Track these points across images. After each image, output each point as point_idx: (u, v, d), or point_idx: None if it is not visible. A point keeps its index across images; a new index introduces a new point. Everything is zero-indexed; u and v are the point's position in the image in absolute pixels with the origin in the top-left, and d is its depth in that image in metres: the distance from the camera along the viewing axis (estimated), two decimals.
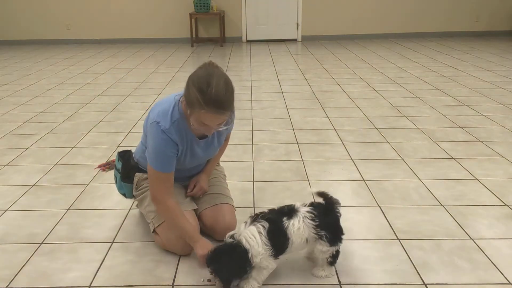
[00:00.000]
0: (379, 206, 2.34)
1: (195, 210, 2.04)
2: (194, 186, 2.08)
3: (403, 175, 2.70)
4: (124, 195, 2.21)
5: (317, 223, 1.67)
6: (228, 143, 3.20)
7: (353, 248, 1.98)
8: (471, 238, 2.04)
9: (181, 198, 2.02)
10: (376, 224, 2.18)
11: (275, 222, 1.66)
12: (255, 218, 1.68)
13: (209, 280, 1.77)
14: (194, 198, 2.10)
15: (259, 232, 1.63)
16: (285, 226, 1.65)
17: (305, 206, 1.73)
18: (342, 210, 2.31)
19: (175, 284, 1.77)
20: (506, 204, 2.34)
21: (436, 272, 1.81)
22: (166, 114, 1.80)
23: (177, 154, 1.85)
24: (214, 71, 1.67)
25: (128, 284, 1.77)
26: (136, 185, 2.10)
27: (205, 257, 1.70)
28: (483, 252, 1.93)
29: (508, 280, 1.75)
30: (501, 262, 1.86)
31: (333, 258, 1.76)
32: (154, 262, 1.90)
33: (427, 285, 1.73)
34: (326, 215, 1.70)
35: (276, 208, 1.74)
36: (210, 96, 1.61)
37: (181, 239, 1.88)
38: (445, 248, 1.96)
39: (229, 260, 1.62)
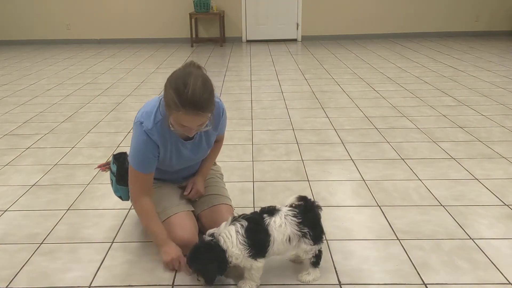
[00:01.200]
0: (379, 206, 2.34)
1: (193, 212, 2.04)
2: (191, 190, 2.06)
3: (403, 175, 2.70)
4: (120, 197, 2.20)
5: (300, 220, 1.66)
6: (228, 144, 3.22)
7: (353, 248, 1.98)
8: (471, 238, 2.04)
9: (177, 200, 2.02)
10: (376, 224, 2.17)
11: (255, 220, 1.66)
12: (236, 218, 1.69)
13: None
14: (192, 200, 2.10)
15: (237, 231, 1.62)
16: (266, 223, 1.65)
17: (285, 206, 1.73)
18: (342, 210, 2.32)
19: (174, 284, 1.77)
20: (506, 204, 2.34)
21: (436, 272, 1.81)
22: (150, 115, 1.78)
23: (158, 155, 1.83)
24: (192, 71, 1.63)
25: (127, 284, 1.77)
26: None
27: (167, 263, 1.74)
28: (483, 252, 1.93)
29: (508, 280, 1.75)
30: (501, 262, 1.86)
31: (316, 259, 1.74)
32: (154, 262, 1.90)
33: (427, 285, 1.73)
34: (307, 213, 1.70)
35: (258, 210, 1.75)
36: (187, 97, 1.57)
37: (186, 234, 1.88)
38: (445, 248, 1.96)
39: (208, 260, 1.63)
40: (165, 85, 1.66)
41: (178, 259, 1.80)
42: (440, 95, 4.44)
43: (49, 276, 1.83)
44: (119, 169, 2.09)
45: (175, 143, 1.86)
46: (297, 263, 1.85)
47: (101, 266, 1.88)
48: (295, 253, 1.79)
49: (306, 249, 1.69)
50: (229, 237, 1.62)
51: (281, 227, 1.65)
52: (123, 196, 2.17)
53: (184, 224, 1.92)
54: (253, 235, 1.63)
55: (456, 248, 1.97)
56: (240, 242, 1.61)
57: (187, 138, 1.88)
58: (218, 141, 2.14)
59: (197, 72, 1.64)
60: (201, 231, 2.01)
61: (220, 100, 1.93)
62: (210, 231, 1.69)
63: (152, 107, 1.81)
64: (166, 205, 1.97)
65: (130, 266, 1.88)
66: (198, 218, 2.04)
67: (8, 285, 1.78)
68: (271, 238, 1.64)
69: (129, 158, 1.84)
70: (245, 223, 1.64)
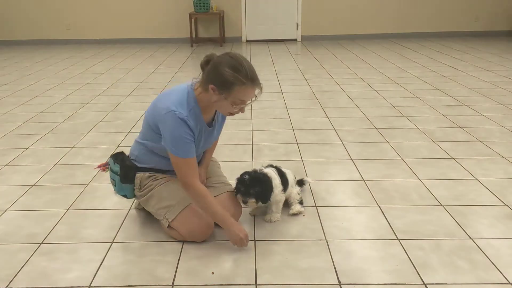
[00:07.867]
0: (379, 206, 2.34)
1: None
2: None
3: (403, 175, 2.70)
4: (125, 196, 2.21)
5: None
6: (228, 144, 3.23)
7: (353, 248, 1.98)
8: (471, 238, 2.04)
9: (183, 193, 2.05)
10: (376, 224, 2.18)
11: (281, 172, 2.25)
12: (266, 167, 2.22)
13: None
14: None
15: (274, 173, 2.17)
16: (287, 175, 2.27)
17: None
18: (342, 210, 2.33)
19: (174, 284, 1.77)
20: (506, 204, 2.34)
21: (436, 272, 1.81)
22: (182, 103, 1.88)
23: (194, 141, 1.92)
24: (233, 54, 1.87)
25: (127, 284, 1.77)
26: (140, 185, 2.11)
27: (237, 241, 1.91)
28: (483, 252, 1.93)
29: (508, 280, 1.75)
30: (501, 262, 1.86)
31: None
32: (154, 262, 1.90)
33: (427, 285, 1.73)
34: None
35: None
36: (247, 73, 1.82)
37: (204, 220, 1.97)
38: (445, 248, 1.96)
39: (264, 186, 2.06)
40: (216, 69, 1.83)
41: (247, 237, 1.94)
42: (440, 95, 4.44)
43: (49, 276, 1.83)
44: (122, 168, 2.10)
45: (201, 129, 1.99)
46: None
47: (101, 266, 1.88)
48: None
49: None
50: (273, 175, 2.16)
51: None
52: (128, 195, 2.18)
53: (201, 211, 2.00)
54: (284, 181, 2.19)
55: (456, 248, 1.97)
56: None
57: (209, 125, 2.03)
58: (216, 140, 2.29)
59: (237, 54, 1.87)
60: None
61: None
62: (257, 168, 2.17)
63: (181, 95, 1.91)
64: (179, 197, 2.02)
65: (130, 266, 1.88)
66: None
67: (8, 285, 1.78)
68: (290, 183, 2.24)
69: (170, 150, 1.89)
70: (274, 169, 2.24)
